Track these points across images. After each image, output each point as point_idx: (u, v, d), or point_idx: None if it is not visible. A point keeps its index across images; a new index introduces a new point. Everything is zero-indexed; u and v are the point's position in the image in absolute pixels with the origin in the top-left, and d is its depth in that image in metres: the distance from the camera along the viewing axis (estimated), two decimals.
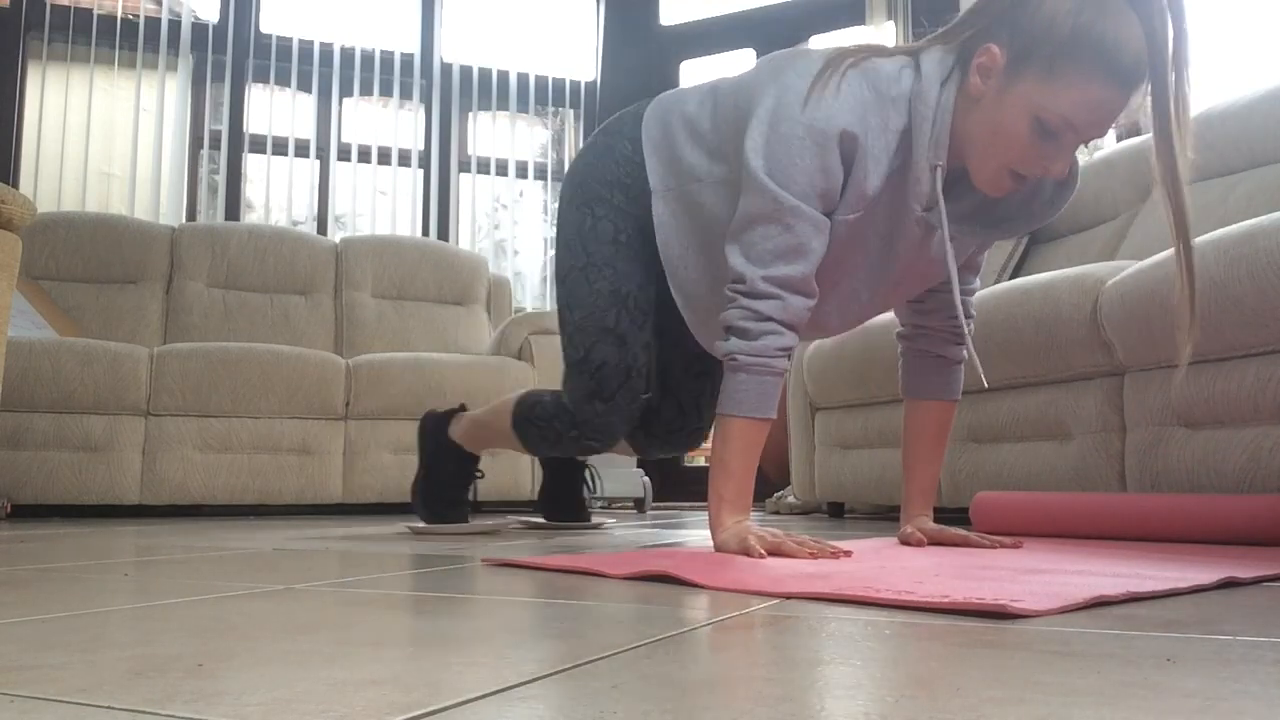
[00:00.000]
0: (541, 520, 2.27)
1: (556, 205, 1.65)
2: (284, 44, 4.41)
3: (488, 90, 4.68)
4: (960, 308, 1.40)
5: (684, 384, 1.77)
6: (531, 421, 1.74)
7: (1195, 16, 1.20)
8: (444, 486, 2.04)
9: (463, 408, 2.06)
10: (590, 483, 2.26)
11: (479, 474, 2.08)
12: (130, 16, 4.19)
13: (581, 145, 4.63)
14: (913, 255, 1.37)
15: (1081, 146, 1.29)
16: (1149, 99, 1.20)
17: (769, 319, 1.30)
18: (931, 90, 1.27)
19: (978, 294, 1.60)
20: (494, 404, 1.91)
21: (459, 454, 2.02)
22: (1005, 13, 1.24)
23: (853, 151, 1.28)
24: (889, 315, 1.67)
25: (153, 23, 4.21)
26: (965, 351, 1.56)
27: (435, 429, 2.05)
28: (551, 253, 4.89)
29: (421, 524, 2.05)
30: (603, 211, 1.57)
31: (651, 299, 1.60)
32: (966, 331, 1.43)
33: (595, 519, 2.32)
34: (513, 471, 3.24)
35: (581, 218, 1.59)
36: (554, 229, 5.09)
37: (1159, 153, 1.21)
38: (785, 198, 1.27)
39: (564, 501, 2.23)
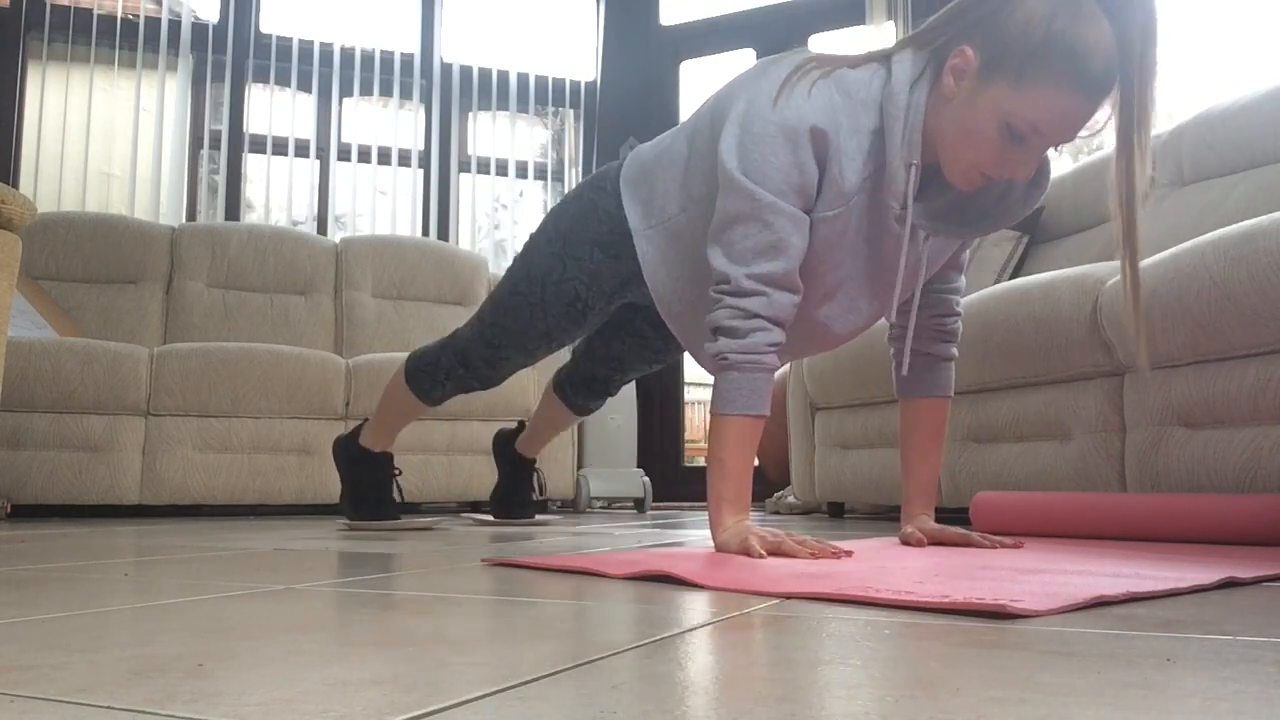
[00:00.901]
0: (488, 516, 2.48)
1: (537, 229, 1.74)
2: (284, 44, 4.41)
3: (488, 90, 4.68)
4: (894, 303, 1.40)
5: (609, 347, 1.96)
6: (421, 368, 1.94)
7: (1168, 28, 1.20)
8: (366, 489, 2.17)
9: (365, 421, 2.21)
10: (538, 486, 2.46)
11: (398, 471, 2.22)
12: (130, 16, 4.19)
13: (583, 154, 4.67)
14: (899, 255, 1.38)
15: (1051, 150, 1.31)
16: (1117, 103, 1.21)
17: (756, 315, 1.31)
18: (901, 91, 1.28)
19: (978, 294, 1.61)
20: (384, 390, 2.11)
21: (371, 457, 2.16)
22: (981, 17, 1.25)
23: (824, 148, 1.29)
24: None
25: (153, 23, 4.21)
26: (953, 349, 1.57)
27: (345, 444, 2.19)
28: None
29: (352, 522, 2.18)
30: (574, 272, 1.64)
31: (572, 337, 1.80)
32: (909, 326, 1.45)
33: (539, 516, 2.52)
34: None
35: (553, 265, 1.66)
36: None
37: (1119, 163, 1.23)
38: (762, 194, 1.29)
39: (512, 499, 2.40)
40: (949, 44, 1.27)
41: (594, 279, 1.63)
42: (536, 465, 2.41)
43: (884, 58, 1.33)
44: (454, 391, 1.96)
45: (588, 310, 1.68)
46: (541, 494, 2.50)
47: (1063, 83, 1.19)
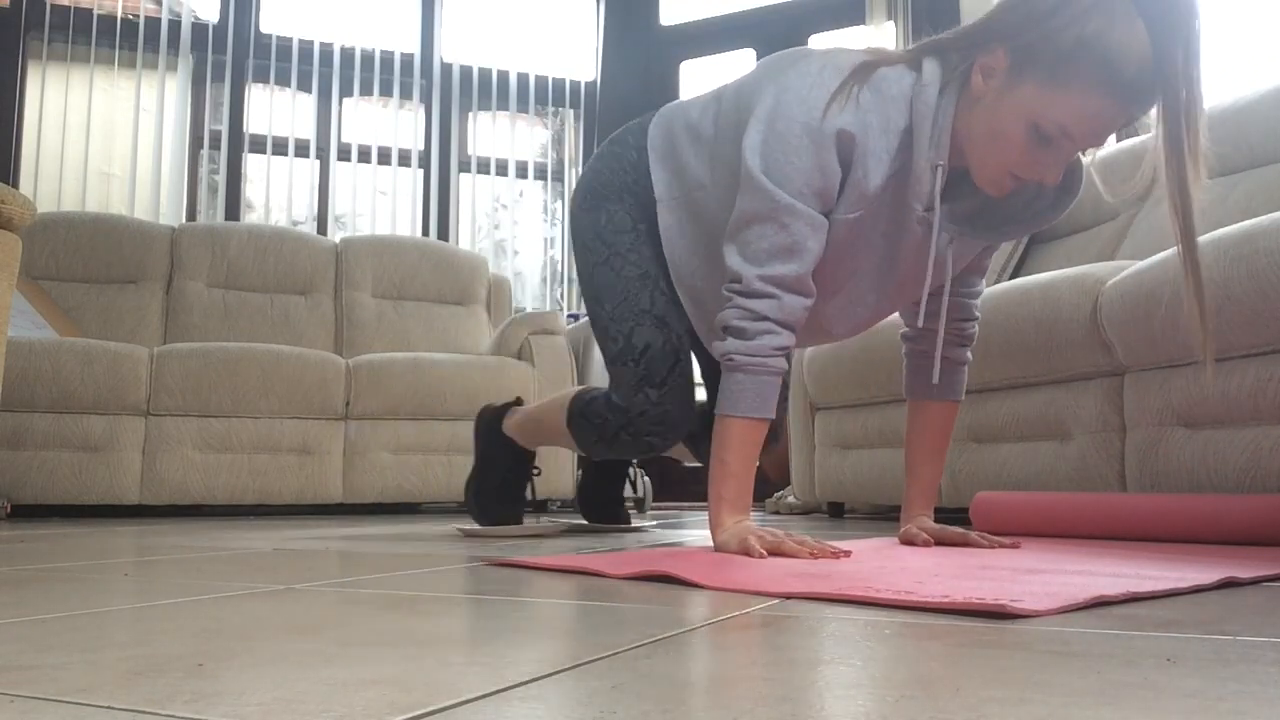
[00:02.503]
0: (582, 521, 2.19)
1: (568, 220, 1.66)
2: (284, 44, 4.41)
3: (488, 90, 4.68)
4: (926, 306, 1.38)
5: None
6: (587, 418, 1.62)
7: (1207, 27, 1.17)
8: (498, 484, 1.96)
9: (519, 401, 2.00)
10: (633, 484, 2.17)
11: (536, 470, 1.99)
12: (130, 16, 4.19)
13: (583, 154, 4.67)
14: (916, 256, 1.37)
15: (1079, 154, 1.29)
16: (1160, 110, 1.17)
17: (765, 318, 1.31)
18: (931, 90, 1.26)
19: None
20: (549, 399, 1.82)
21: (513, 450, 1.94)
22: (1012, 18, 1.23)
23: (850, 150, 1.27)
24: (889, 316, 1.67)
25: (153, 23, 4.21)
26: (968, 353, 1.56)
27: (489, 424, 1.97)
28: (552, 253, 4.89)
29: (473, 525, 1.98)
30: (616, 208, 1.58)
31: (674, 320, 1.55)
32: (939, 329, 1.41)
33: (636, 522, 2.25)
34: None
35: (596, 216, 1.60)
36: (554, 229, 5.07)
37: (1169, 170, 1.17)
38: (781, 196, 1.28)
39: (601, 502, 2.15)
40: (980, 47, 1.25)
41: (637, 213, 1.56)
42: (634, 462, 2.09)
43: (914, 58, 1.31)
44: (628, 454, 1.64)
45: (651, 235, 1.55)
46: (635, 494, 2.20)
47: (1094, 86, 1.16)
